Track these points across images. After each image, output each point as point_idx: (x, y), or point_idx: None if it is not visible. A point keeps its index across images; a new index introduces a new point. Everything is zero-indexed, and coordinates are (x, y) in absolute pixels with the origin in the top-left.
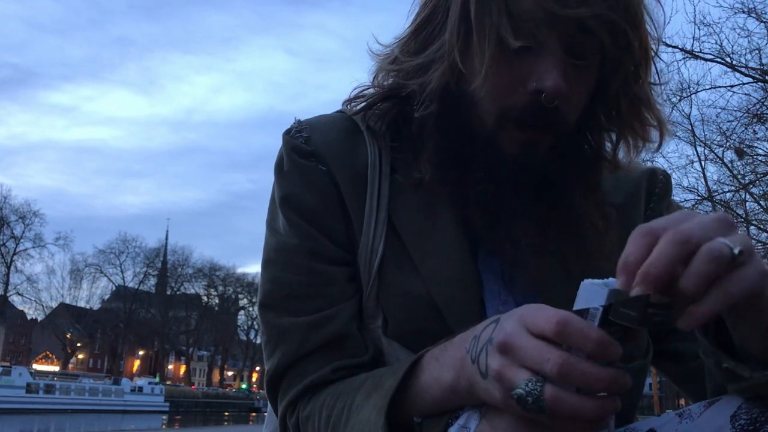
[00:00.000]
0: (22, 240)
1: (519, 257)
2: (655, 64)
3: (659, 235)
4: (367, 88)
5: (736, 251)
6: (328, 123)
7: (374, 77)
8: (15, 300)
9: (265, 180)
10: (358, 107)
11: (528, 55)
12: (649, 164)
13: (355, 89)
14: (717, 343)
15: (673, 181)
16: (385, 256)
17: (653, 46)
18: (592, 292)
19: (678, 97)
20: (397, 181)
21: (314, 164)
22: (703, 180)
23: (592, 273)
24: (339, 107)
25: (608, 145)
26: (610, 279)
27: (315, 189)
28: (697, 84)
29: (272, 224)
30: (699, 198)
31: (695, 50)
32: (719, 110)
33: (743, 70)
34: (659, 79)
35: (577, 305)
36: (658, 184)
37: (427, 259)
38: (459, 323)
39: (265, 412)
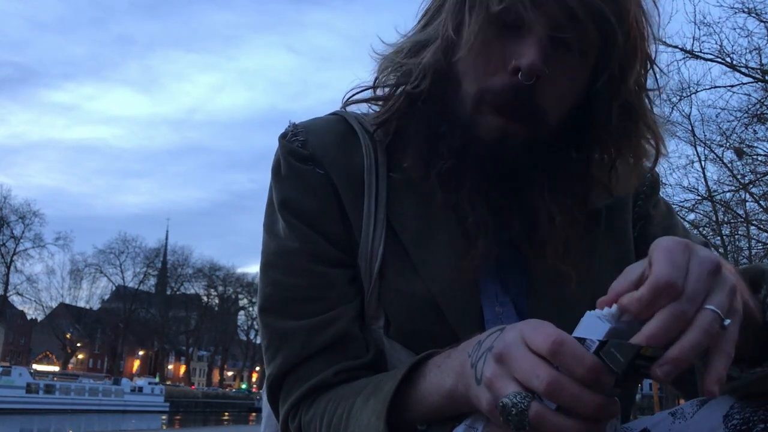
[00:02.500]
0: (22, 240)
1: (510, 258)
2: (654, 72)
3: (667, 300)
4: (367, 89)
5: (726, 323)
6: (323, 126)
7: (377, 76)
8: (15, 300)
9: (267, 180)
10: (380, 120)
11: (513, 36)
12: None
13: (352, 90)
14: None
15: (673, 181)
16: (386, 258)
17: (650, 53)
18: (594, 325)
19: (678, 97)
20: (395, 182)
21: (312, 168)
22: (703, 180)
23: (550, 273)
24: (340, 107)
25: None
26: (613, 308)
27: (313, 192)
28: (697, 84)
29: (271, 228)
30: (699, 198)
31: (695, 50)
32: (719, 110)
33: (743, 70)
34: (657, 83)
35: (577, 332)
36: (645, 182)
37: (427, 260)
38: (460, 324)
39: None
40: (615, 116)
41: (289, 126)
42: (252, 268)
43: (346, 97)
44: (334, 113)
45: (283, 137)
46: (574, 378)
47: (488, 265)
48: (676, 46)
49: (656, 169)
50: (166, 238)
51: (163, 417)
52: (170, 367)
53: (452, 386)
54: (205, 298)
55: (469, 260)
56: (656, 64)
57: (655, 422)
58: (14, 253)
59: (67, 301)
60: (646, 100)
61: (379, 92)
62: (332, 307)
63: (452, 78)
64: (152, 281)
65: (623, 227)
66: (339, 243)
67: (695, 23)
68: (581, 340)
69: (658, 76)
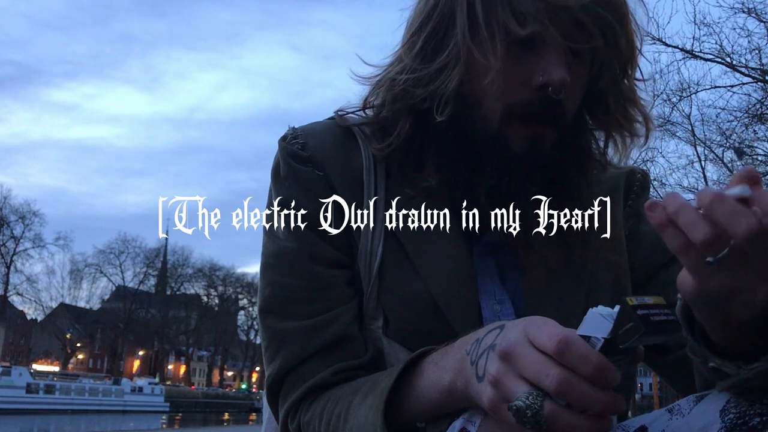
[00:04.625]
0: (21, 240)
1: (513, 257)
2: (638, 65)
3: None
4: (359, 109)
5: None
6: (322, 129)
7: (374, 89)
8: (15, 300)
9: (268, 179)
10: (388, 150)
11: (533, 52)
12: (630, 164)
13: (341, 110)
14: (702, 342)
15: (673, 181)
16: (385, 258)
17: (638, 45)
18: (597, 323)
19: (678, 97)
20: (394, 183)
21: (311, 169)
22: (703, 180)
23: (547, 272)
24: (343, 106)
25: (597, 144)
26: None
27: (313, 193)
28: (697, 84)
29: (270, 229)
30: None
31: (695, 50)
32: (719, 110)
33: (743, 70)
34: (642, 75)
35: (581, 330)
36: (636, 182)
37: (426, 260)
38: (459, 322)
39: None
40: (611, 105)
41: (288, 129)
42: (252, 268)
43: (346, 110)
44: (332, 118)
45: (282, 140)
46: (581, 376)
47: (487, 264)
48: (676, 46)
49: (656, 169)
50: (166, 238)
51: (163, 417)
52: (170, 367)
53: (450, 383)
54: (205, 298)
55: (468, 259)
56: (643, 55)
57: (652, 419)
58: (14, 253)
59: (67, 301)
60: (633, 86)
61: (369, 112)
62: (331, 307)
63: (470, 99)
64: (152, 281)
65: (615, 226)
66: (338, 243)
67: (695, 23)
68: (586, 338)
69: (643, 71)
